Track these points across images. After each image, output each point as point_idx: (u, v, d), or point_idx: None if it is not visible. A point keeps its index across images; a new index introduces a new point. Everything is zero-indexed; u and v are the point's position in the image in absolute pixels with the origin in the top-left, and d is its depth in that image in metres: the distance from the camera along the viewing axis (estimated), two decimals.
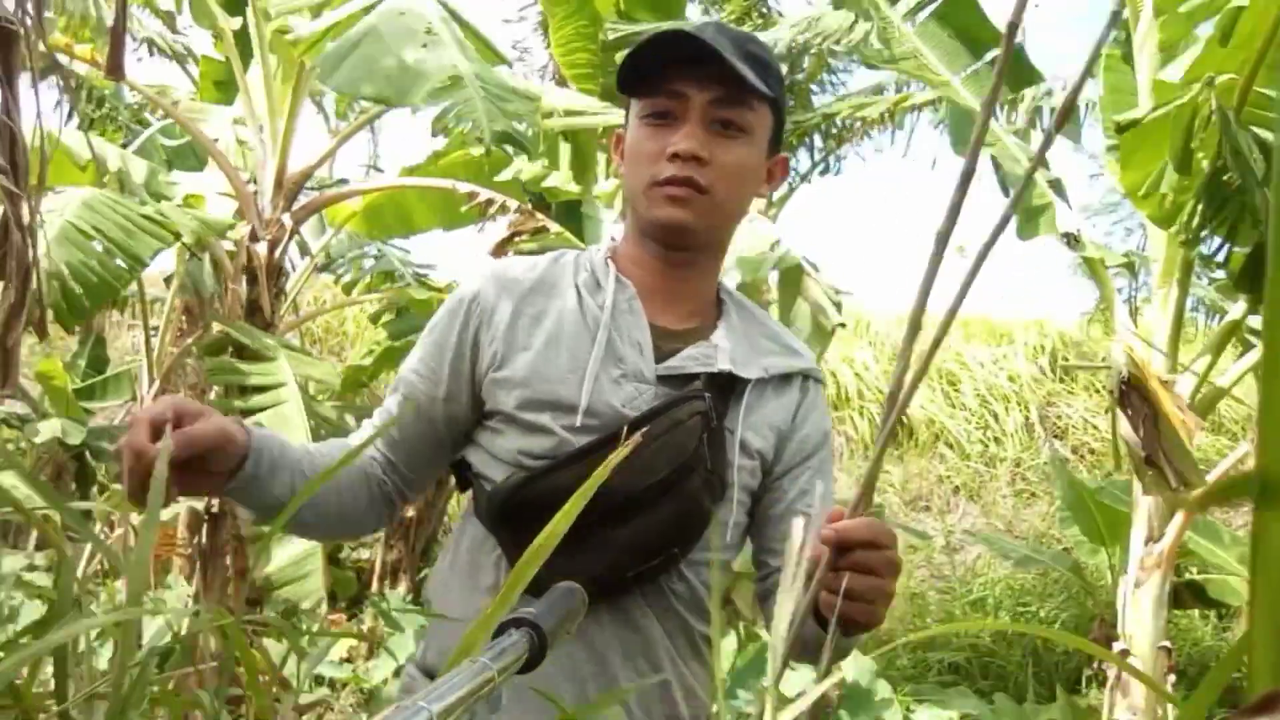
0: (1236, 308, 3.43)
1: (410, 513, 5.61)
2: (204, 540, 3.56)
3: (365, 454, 1.17)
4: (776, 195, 7.01)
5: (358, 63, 2.69)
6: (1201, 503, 3.35)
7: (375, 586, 6.01)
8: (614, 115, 3.60)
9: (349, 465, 1.11)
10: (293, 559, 3.20)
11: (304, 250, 5.36)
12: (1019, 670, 5.54)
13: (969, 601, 6.45)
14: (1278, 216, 0.29)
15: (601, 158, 4.11)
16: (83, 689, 0.62)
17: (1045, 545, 6.46)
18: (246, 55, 3.94)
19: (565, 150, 3.94)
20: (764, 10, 7.70)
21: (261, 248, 3.74)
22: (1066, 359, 8.20)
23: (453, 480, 1.25)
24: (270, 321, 3.74)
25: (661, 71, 1.09)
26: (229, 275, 3.75)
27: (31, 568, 3.09)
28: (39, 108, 1.66)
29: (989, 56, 3.78)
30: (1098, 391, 7.91)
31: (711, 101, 1.08)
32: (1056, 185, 3.53)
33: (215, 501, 3.66)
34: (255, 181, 3.90)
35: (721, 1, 7.67)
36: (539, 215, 3.93)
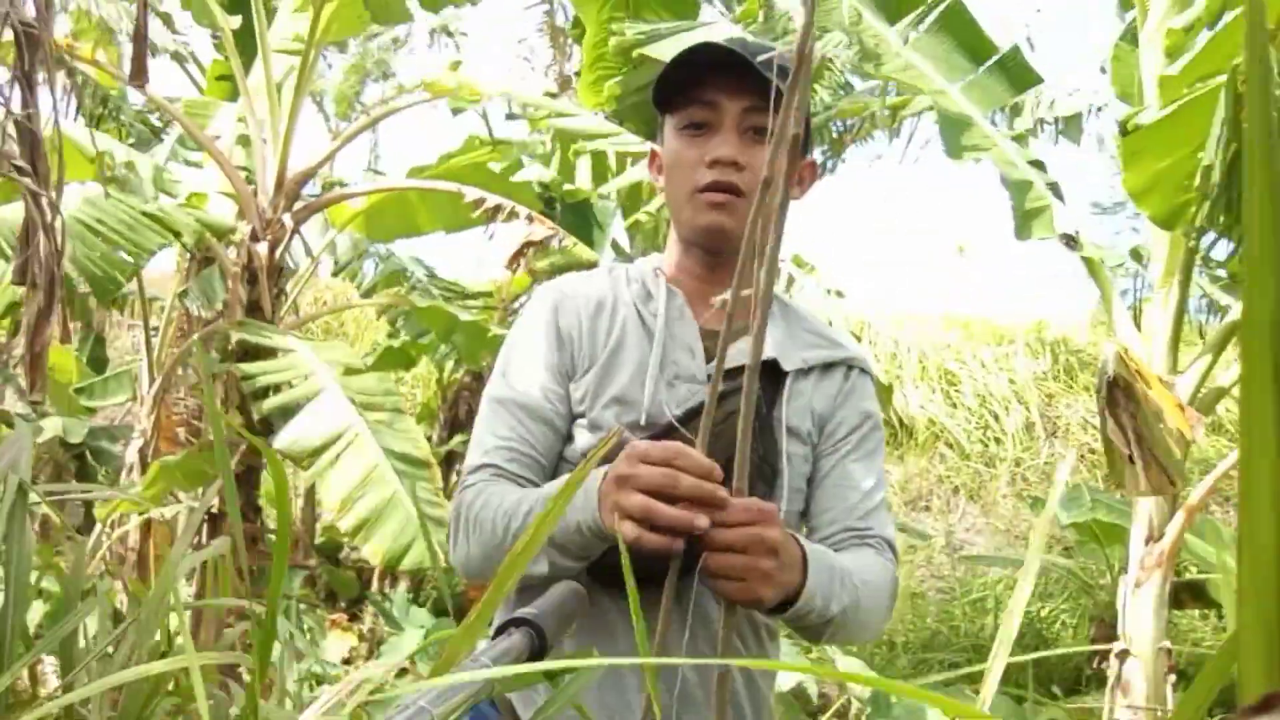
0: (1237, 307, 3.43)
1: None
2: (204, 540, 3.57)
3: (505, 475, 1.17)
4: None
5: None
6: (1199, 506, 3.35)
7: (375, 586, 6.02)
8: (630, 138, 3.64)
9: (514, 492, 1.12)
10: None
11: (307, 250, 5.37)
12: (1019, 671, 5.54)
13: (969, 601, 6.46)
14: (1258, 214, 0.29)
15: (612, 157, 4.12)
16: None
17: (1046, 545, 6.45)
18: (247, 55, 3.94)
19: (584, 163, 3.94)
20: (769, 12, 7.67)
21: (262, 248, 3.75)
22: (1068, 359, 8.20)
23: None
24: (271, 322, 3.74)
25: (694, 84, 1.15)
26: (230, 275, 3.75)
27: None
28: (56, 112, 1.65)
29: (989, 63, 3.82)
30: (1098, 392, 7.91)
31: (745, 109, 1.14)
32: (1054, 188, 3.53)
33: (215, 501, 3.66)
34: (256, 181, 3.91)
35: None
36: (548, 222, 3.93)
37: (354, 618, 5.46)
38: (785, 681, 3.87)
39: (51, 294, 1.68)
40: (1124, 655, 3.32)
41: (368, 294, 5.76)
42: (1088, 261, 3.49)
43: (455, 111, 4.90)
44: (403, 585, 5.81)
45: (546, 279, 1.56)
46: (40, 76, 1.63)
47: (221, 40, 4.29)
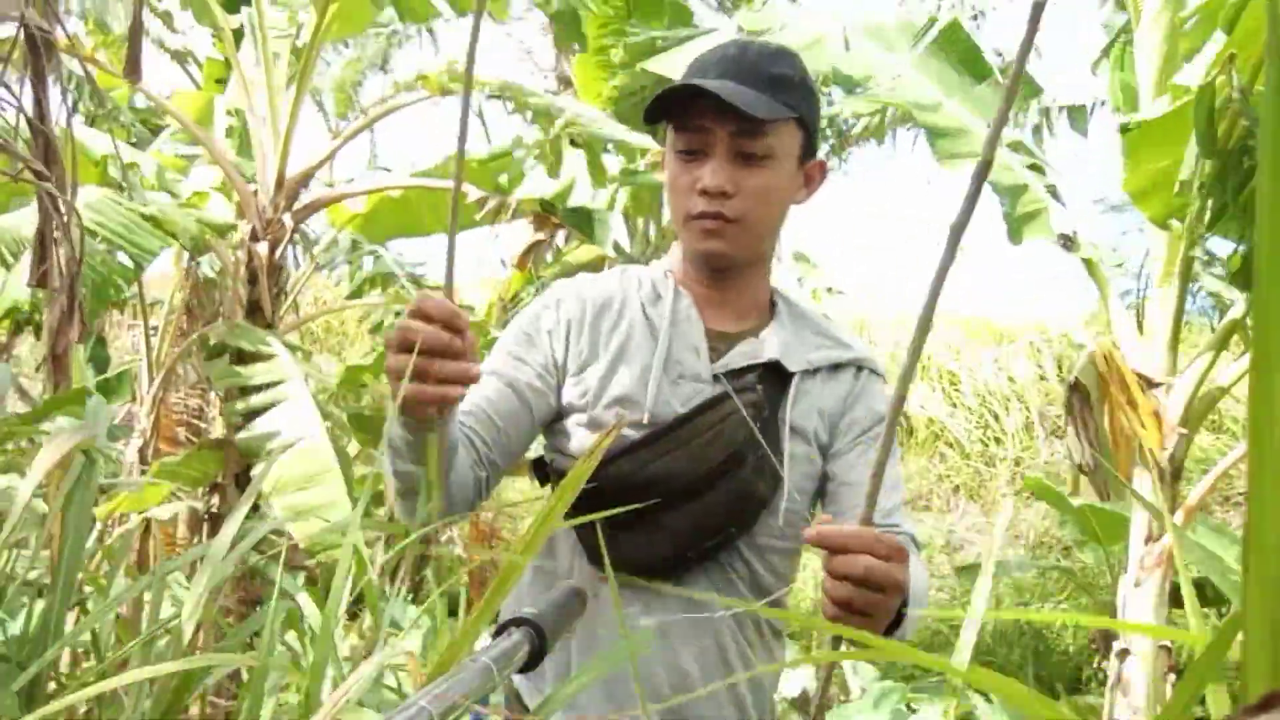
0: (1237, 307, 3.43)
1: None
2: (205, 540, 3.57)
3: (462, 431, 1.14)
4: None
5: None
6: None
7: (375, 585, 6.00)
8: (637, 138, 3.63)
9: (456, 440, 1.10)
10: None
11: (307, 249, 5.36)
12: (1019, 670, 5.55)
13: (969, 601, 6.45)
14: (1267, 212, 0.29)
15: (610, 161, 4.10)
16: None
17: (1046, 545, 6.46)
18: (247, 54, 3.93)
19: (578, 160, 3.93)
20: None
21: (262, 247, 3.74)
22: (1068, 359, 8.20)
23: None
24: (270, 321, 3.74)
25: (684, 109, 1.16)
26: (230, 275, 3.75)
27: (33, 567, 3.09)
28: (69, 114, 1.64)
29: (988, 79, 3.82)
30: None
31: (733, 134, 1.15)
32: (1053, 190, 3.53)
33: (215, 501, 3.66)
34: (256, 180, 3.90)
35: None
36: (552, 220, 3.92)
37: (353, 617, 5.45)
38: (789, 689, 3.88)
39: (72, 297, 1.68)
40: (1124, 654, 3.32)
41: (354, 295, 5.69)
42: (1086, 261, 3.49)
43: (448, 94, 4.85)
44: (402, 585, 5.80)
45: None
46: (50, 79, 1.62)
47: (221, 39, 4.29)
